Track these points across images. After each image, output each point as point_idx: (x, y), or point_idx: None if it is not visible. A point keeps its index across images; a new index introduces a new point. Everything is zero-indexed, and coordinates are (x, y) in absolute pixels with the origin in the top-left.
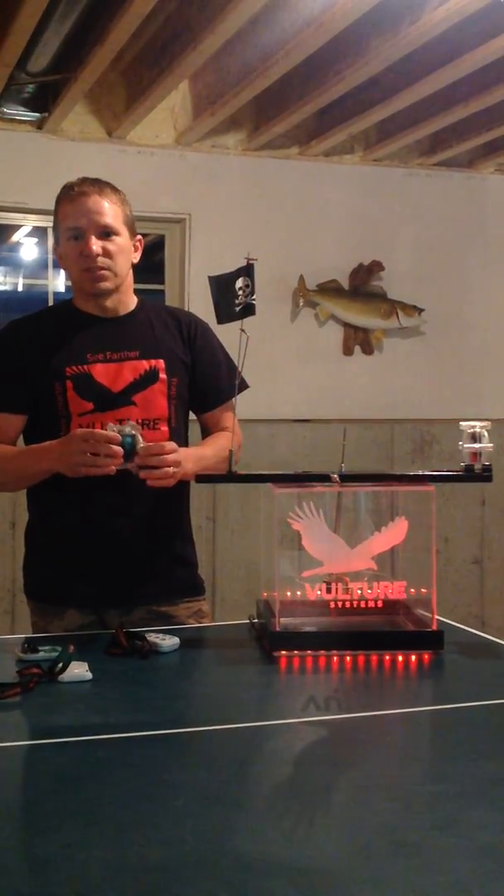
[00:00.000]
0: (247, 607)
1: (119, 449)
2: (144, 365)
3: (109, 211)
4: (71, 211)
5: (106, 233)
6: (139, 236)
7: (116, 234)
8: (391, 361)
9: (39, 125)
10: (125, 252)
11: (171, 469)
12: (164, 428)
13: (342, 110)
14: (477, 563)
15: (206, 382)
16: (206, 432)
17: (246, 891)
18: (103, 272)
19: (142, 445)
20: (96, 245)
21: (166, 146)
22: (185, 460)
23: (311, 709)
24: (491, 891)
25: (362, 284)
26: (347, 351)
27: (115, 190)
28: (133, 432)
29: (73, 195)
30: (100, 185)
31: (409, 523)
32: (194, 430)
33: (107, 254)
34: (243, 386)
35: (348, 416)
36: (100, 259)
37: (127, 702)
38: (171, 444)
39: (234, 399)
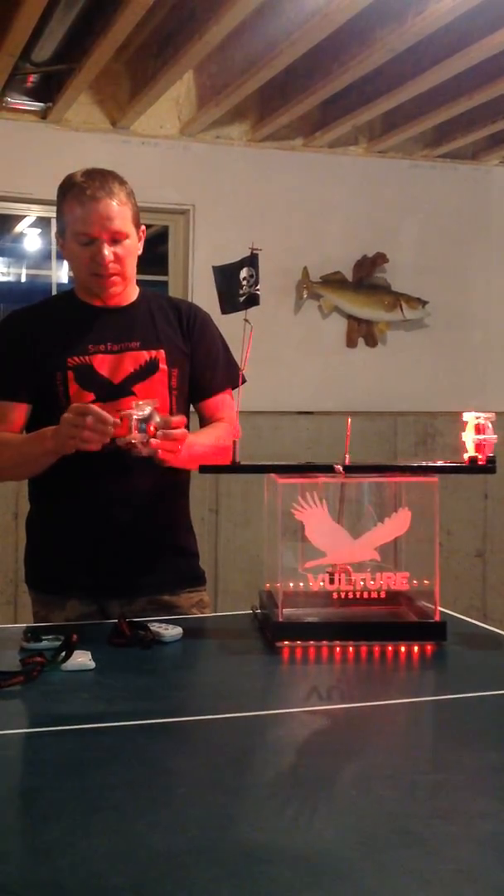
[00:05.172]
0: (249, 598)
1: (108, 430)
2: (145, 356)
3: (119, 213)
4: (81, 215)
5: (117, 238)
6: (143, 226)
7: (127, 237)
8: (395, 354)
9: (43, 115)
10: (134, 253)
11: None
12: None
13: (347, 101)
14: (479, 556)
15: (202, 371)
16: (204, 422)
17: (249, 878)
18: (114, 278)
19: (158, 420)
20: (108, 252)
21: (170, 137)
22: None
23: (314, 698)
24: (494, 879)
25: (366, 276)
26: (351, 343)
27: (121, 184)
28: (145, 413)
29: (84, 199)
30: (108, 186)
31: (412, 515)
32: (194, 421)
33: (118, 259)
34: (242, 380)
35: (351, 408)
36: (111, 266)
37: (130, 691)
38: (181, 418)
39: (237, 390)
